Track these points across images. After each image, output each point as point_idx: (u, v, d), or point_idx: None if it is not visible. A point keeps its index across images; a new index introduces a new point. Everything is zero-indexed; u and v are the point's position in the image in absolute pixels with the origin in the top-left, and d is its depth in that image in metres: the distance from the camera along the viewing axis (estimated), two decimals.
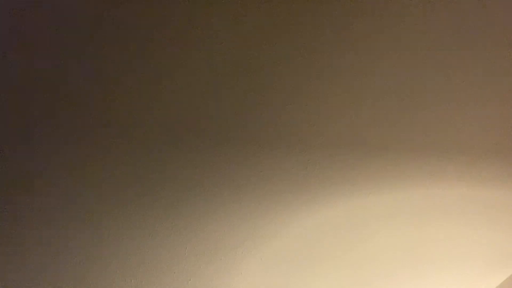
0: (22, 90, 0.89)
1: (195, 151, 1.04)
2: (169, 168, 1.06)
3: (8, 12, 0.78)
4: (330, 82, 0.96)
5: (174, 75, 0.91)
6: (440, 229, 1.32)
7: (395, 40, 0.90)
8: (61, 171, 1.03)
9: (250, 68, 0.92)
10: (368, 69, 0.94)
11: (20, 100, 0.90)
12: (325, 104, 1.00)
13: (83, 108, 0.93)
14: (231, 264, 1.33)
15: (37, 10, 0.79)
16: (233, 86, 0.94)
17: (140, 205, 1.13)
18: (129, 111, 0.95)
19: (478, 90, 1.00)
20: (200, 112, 0.98)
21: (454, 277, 1.49)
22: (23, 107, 0.91)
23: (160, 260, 1.26)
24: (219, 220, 1.20)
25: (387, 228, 1.29)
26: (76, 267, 1.23)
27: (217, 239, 1.24)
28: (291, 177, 1.13)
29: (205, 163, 1.07)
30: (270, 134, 1.03)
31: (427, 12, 0.86)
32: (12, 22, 0.80)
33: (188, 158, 1.05)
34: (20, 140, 0.96)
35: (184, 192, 1.12)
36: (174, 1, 0.81)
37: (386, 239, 1.33)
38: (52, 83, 0.89)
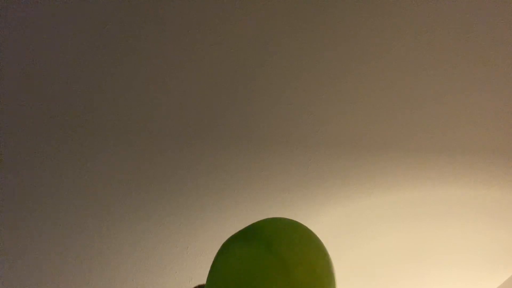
0: (27, 90, 0.90)
1: (196, 152, 1.04)
2: (170, 169, 1.07)
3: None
4: (330, 82, 0.96)
5: (175, 77, 0.92)
6: (441, 229, 1.32)
7: (395, 40, 0.90)
8: (62, 170, 1.03)
9: (250, 68, 0.93)
10: (368, 69, 0.95)
11: (21, 103, 0.91)
12: (326, 104, 1.00)
13: (86, 109, 0.94)
14: None
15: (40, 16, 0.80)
16: (233, 87, 0.95)
17: (141, 205, 1.14)
18: (129, 112, 0.96)
19: (478, 90, 1.00)
20: (200, 114, 0.98)
21: (455, 277, 1.48)
22: (25, 111, 0.92)
23: (161, 260, 1.26)
24: (220, 220, 1.20)
25: (387, 228, 1.29)
26: (77, 267, 1.24)
27: (219, 239, 1.24)
28: (292, 177, 1.13)
29: (205, 164, 1.07)
30: (270, 134, 1.04)
31: (427, 11, 0.86)
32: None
33: (189, 158, 1.05)
34: (20, 141, 0.97)
35: (186, 192, 1.13)
36: (174, 2, 0.82)
37: (387, 239, 1.33)
38: (56, 84, 0.90)
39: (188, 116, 0.98)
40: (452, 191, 1.21)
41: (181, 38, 0.86)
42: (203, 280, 1.35)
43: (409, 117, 1.04)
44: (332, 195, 1.19)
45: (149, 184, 1.10)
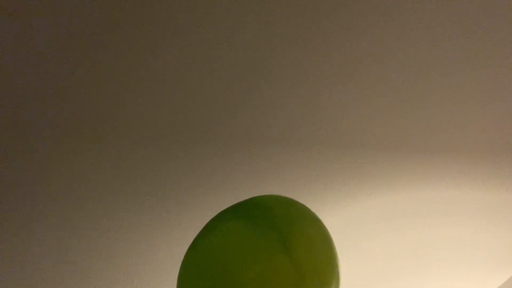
0: (23, 89, 0.89)
1: (195, 152, 1.04)
2: (170, 169, 1.07)
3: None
4: (330, 82, 0.96)
5: (175, 76, 0.92)
6: (441, 230, 1.32)
7: (395, 39, 0.90)
8: (61, 169, 1.03)
9: (250, 68, 0.93)
10: (368, 68, 0.95)
11: (18, 99, 0.91)
12: (326, 104, 1.00)
13: (85, 107, 0.94)
14: None
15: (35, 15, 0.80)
16: (233, 87, 0.95)
17: (142, 205, 1.14)
18: (129, 111, 0.96)
19: (478, 90, 1.00)
20: (200, 113, 0.98)
21: (455, 277, 1.49)
22: (20, 107, 0.92)
23: (162, 259, 1.26)
24: None
25: (387, 229, 1.29)
26: (78, 267, 1.24)
27: None
28: (292, 178, 1.13)
29: (205, 164, 1.07)
30: (270, 134, 1.04)
31: (427, 9, 0.87)
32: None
33: (189, 158, 1.05)
34: (18, 140, 0.97)
35: (186, 192, 1.13)
36: (174, 2, 0.82)
37: (387, 240, 1.33)
38: (52, 82, 0.89)
39: (187, 116, 0.98)
40: (453, 191, 1.21)
41: (181, 39, 0.86)
42: None
43: (411, 118, 1.04)
44: (332, 195, 1.19)
45: (149, 184, 1.09)
